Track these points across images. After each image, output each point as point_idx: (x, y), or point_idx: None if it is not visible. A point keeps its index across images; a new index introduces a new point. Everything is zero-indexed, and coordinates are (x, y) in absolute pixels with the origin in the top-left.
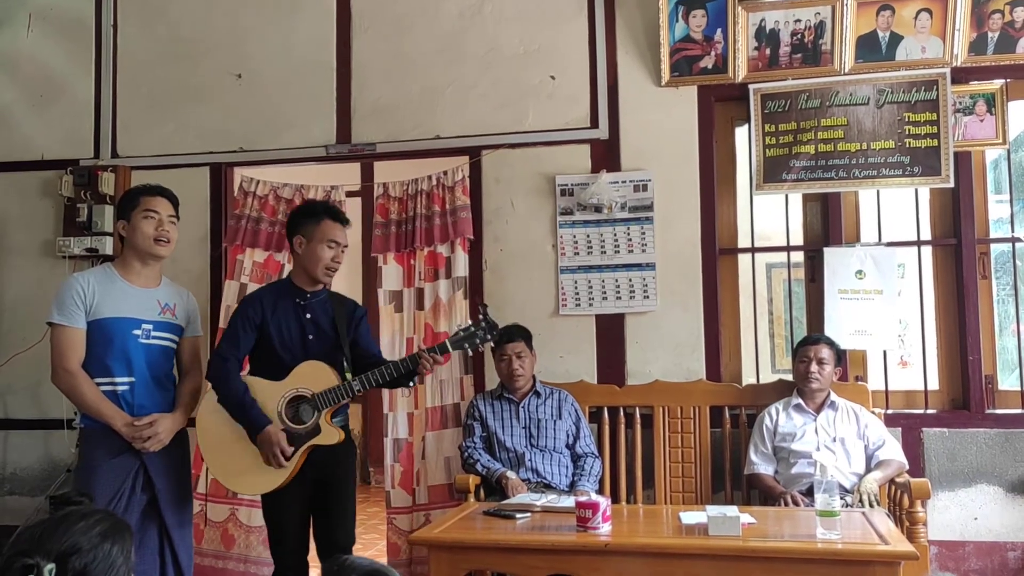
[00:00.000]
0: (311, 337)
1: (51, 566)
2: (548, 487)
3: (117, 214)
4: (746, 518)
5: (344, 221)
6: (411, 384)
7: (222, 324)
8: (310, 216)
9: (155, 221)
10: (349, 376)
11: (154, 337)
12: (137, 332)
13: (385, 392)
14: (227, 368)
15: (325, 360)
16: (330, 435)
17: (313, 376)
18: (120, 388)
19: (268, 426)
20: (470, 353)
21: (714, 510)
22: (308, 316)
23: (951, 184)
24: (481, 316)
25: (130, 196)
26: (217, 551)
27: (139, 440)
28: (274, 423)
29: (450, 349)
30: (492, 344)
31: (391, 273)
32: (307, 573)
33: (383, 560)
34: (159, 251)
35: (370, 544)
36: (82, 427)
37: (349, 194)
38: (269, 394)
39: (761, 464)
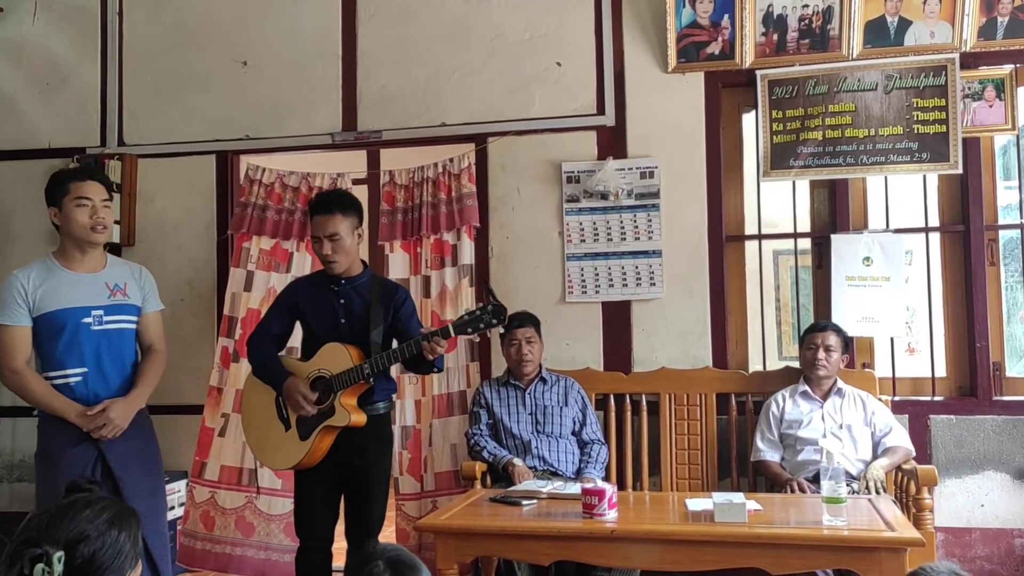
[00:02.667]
0: (343, 321)
1: (60, 554)
2: (554, 474)
3: (47, 200)
4: (752, 505)
5: (321, 210)
6: (434, 369)
7: (227, 311)
8: (309, 215)
9: (89, 208)
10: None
11: (107, 322)
12: (87, 320)
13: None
14: (253, 341)
15: (356, 344)
16: (342, 417)
17: (332, 358)
18: (72, 380)
19: (288, 378)
20: (476, 339)
21: (720, 497)
22: (342, 301)
23: (959, 170)
24: (489, 300)
25: (58, 181)
26: (234, 538)
27: (95, 430)
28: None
29: (452, 333)
30: (501, 329)
31: (397, 261)
32: (329, 554)
33: None
34: (96, 239)
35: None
36: (40, 414)
37: (355, 182)
38: (297, 373)
39: (767, 451)
